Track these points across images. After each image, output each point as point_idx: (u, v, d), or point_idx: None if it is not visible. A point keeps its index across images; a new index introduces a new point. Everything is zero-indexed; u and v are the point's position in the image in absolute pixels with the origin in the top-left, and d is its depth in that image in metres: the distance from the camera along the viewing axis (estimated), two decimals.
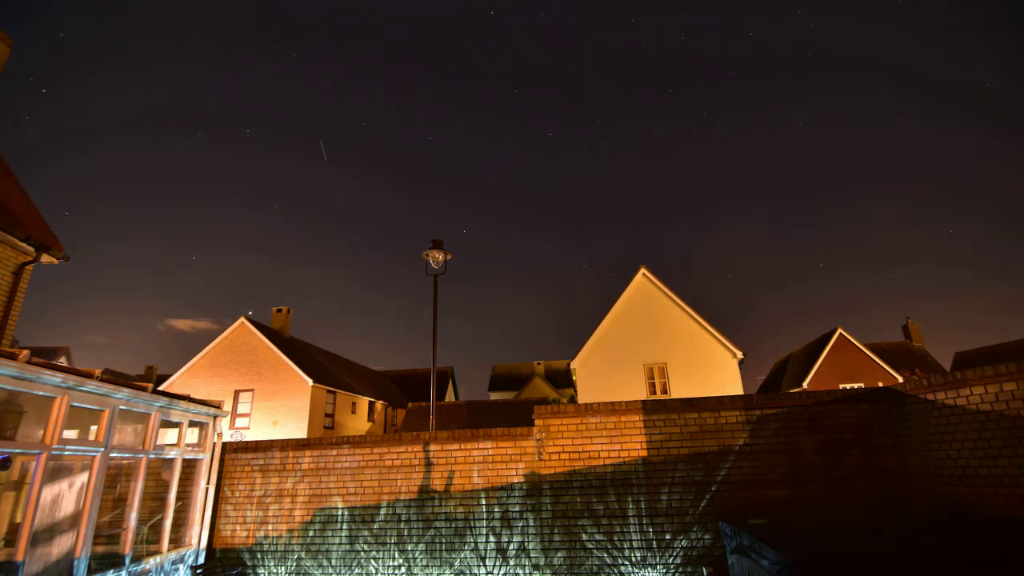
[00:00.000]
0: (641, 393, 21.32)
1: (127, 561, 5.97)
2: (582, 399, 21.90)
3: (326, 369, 28.43)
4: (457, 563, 6.61)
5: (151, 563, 6.32)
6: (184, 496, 7.27)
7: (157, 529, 6.89)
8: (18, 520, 5.62)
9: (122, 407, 6.03)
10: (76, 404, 5.40)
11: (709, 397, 6.62)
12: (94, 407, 5.66)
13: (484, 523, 6.70)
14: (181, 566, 6.81)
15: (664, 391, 21.35)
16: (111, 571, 5.72)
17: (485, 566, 6.54)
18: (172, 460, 7.06)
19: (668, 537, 6.19)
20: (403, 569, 6.73)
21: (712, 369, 21.13)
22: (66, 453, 5.34)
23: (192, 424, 7.38)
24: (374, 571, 6.80)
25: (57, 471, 5.48)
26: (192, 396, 7.45)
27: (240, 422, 24.30)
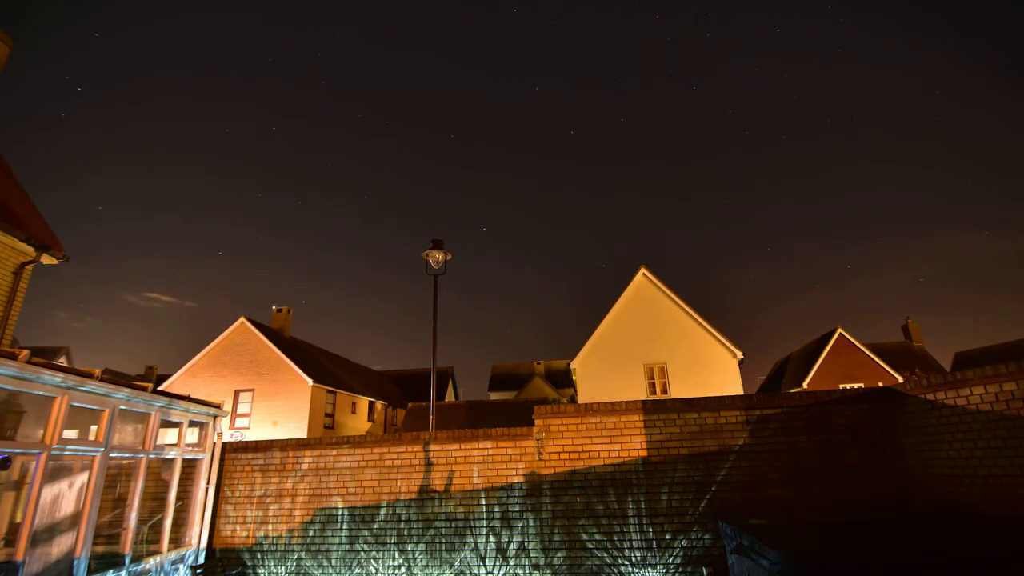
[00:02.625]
0: (641, 393, 21.32)
1: (127, 561, 5.97)
2: (582, 399, 21.90)
3: (326, 369, 28.43)
4: (457, 563, 6.61)
5: (151, 563, 6.32)
6: (184, 496, 7.26)
7: (157, 529, 6.88)
8: (18, 520, 5.62)
9: (122, 407, 6.03)
10: (76, 404, 5.40)
11: (709, 397, 6.62)
12: (94, 407, 5.66)
13: (484, 523, 6.70)
14: (181, 566, 6.81)
15: (664, 391, 21.35)
16: (111, 571, 5.72)
17: (485, 566, 6.54)
18: (172, 460, 7.06)
19: (668, 537, 6.19)
20: (403, 569, 6.73)
21: (712, 369, 21.14)
22: (66, 453, 5.33)
23: (192, 424, 7.38)
24: (374, 571, 6.80)
25: (57, 471, 5.48)
26: (192, 396, 7.45)
27: (240, 422, 24.30)
